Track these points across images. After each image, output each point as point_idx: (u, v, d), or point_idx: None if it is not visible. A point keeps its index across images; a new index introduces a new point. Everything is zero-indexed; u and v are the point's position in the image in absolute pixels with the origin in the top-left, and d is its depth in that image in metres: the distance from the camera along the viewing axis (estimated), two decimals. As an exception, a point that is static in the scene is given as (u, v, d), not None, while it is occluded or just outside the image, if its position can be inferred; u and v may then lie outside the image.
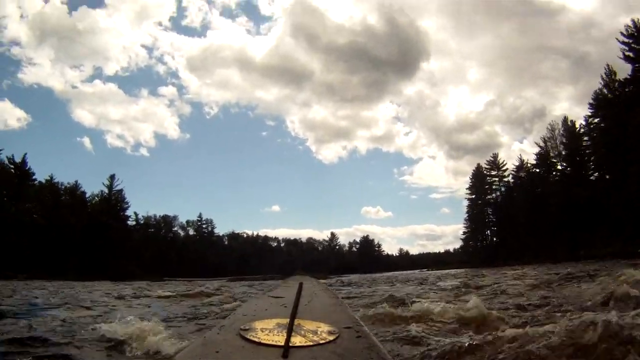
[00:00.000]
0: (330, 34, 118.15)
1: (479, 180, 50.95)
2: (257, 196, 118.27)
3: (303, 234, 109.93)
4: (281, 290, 1.65)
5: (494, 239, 48.10)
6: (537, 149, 42.87)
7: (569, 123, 38.93)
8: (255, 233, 76.85)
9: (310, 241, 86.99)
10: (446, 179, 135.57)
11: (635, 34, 26.66)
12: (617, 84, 29.14)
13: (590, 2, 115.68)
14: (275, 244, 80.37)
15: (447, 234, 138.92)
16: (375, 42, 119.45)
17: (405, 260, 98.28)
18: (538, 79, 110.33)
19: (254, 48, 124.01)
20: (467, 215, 53.07)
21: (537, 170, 43.39)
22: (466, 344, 2.09)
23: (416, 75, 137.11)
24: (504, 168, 49.89)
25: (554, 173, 40.91)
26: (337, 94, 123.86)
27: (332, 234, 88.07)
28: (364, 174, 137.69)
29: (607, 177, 27.91)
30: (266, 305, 1.33)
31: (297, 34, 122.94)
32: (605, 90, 30.34)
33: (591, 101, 34.08)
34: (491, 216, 49.10)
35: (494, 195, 50.13)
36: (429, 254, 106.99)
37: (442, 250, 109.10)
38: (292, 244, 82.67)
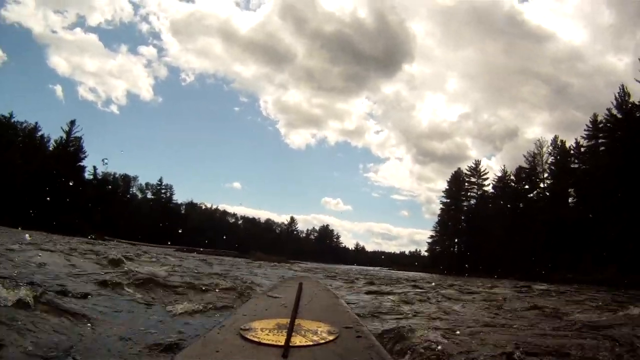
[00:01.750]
0: (319, 20, 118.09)
1: (457, 185, 50.00)
2: (220, 170, 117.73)
3: (261, 214, 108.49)
4: (281, 290, 1.65)
5: (462, 247, 47.07)
6: (500, 167, 43.45)
7: (558, 142, 38.79)
8: (213, 206, 75.64)
9: (269, 222, 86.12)
10: (410, 182, 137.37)
11: None
12: (630, 105, 29.18)
13: (581, 36, 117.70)
14: (233, 220, 79.02)
15: (403, 236, 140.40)
16: (362, 36, 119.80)
17: (361, 255, 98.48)
18: (515, 101, 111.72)
19: (240, 21, 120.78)
20: (438, 218, 51.96)
21: (517, 185, 43.72)
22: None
23: (397, 75, 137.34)
24: (485, 176, 49.10)
25: (536, 191, 41.08)
26: (315, 81, 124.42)
27: (292, 218, 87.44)
28: (329, 165, 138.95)
29: (607, 199, 27.46)
30: (266, 305, 1.33)
31: (285, 14, 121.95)
32: (614, 111, 30.26)
33: (588, 124, 34.59)
34: (464, 223, 48.13)
35: (470, 202, 49.30)
36: (383, 252, 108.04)
37: (397, 251, 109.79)
38: (250, 222, 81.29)
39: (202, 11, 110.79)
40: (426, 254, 55.33)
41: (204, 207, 73.61)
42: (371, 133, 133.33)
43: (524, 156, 41.78)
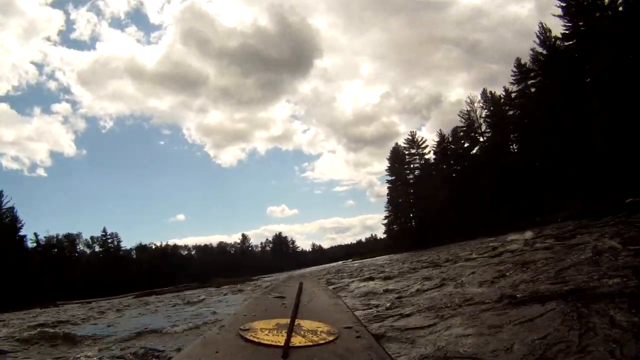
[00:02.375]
0: (222, 39, 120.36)
1: (398, 160, 49.01)
2: (161, 207, 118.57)
3: (212, 239, 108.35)
4: (281, 290, 1.65)
5: (418, 220, 46.17)
6: (433, 134, 43.63)
7: (488, 94, 39.00)
8: (163, 243, 74.57)
9: (222, 245, 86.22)
10: (347, 171, 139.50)
11: None
12: (554, 39, 29.47)
13: None
14: (186, 252, 78.62)
15: (355, 225, 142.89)
16: (267, 43, 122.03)
17: (320, 254, 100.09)
18: (431, 69, 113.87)
19: (145, 57, 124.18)
20: (387, 197, 50.77)
21: (456, 145, 43.51)
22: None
23: (310, 73, 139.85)
24: (423, 145, 48.39)
25: (478, 147, 40.95)
26: (232, 98, 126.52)
27: (243, 236, 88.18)
28: (265, 174, 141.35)
29: (551, 137, 27.48)
30: (266, 305, 1.33)
31: (188, 40, 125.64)
32: (540, 49, 30.56)
33: (513, 69, 34.73)
34: (414, 196, 47.33)
35: (415, 174, 48.51)
36: (340, 245, 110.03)
37: (353, 242, 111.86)
38: (203, 250, 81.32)
39: (105, 55, 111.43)
40: (384, 236, 54.63)
41: (154, 247, 72.58)
42: (299, 133, 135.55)
43: (459, 115, 41.88)
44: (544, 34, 30.13)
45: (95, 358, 2.94)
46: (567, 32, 27.89)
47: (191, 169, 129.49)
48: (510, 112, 36.32)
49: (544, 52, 30.21)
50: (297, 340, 0.96)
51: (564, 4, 27.29)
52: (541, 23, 30.28)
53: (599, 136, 21.76)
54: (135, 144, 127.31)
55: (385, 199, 50.67)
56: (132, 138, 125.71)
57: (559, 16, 27.82)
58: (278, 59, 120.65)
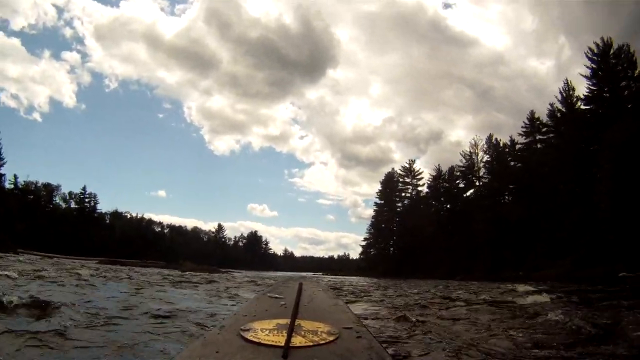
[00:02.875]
0: (244, 26, 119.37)
1: (390, 186, 49.30)
2: (145, 178, 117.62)
3: (188, 223, 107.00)
4: (281, 290, 1.65)
5: (398, 249, 46.14)
6: (425, 168, 44.52)
7: (493, 141, 39.15)
8: (139, 215, 73.46)
9: (196, 230, 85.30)
10: (335, 186, 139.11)
11: (601, 53, 27.07)
12: (576, 99, 29.38)
13: (503, 41, 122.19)
14: (160, 229, 77.34)
15: (330, 240, 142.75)
16: (287, 41, 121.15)
17: (290, 261, 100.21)
18: (439, 104, 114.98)
19: (165, 27, 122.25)
20: (372, 220, 50.99)
21: (450, 184, 43.64)
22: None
23: (321, 81, 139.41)
24: (419, 176, 48.50)
25: (473, 189, 41.15)
26: (239, 87, 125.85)
27: (219, 226, 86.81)
28: (254, 171, 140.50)
29: (554, 195, 27.57)
30: (266, 305, 1.34)
31: (210, 20, 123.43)
32: (560, 106, 30.45)
33: (525, 121, 35.08)
34: (399, 225, 47.43)
35: (405, 203, 48.72)
36: (312, 257, 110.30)
37: (325, 256, 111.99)
38: (177, 231, 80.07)
39: (126, 16, 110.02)
40: (357, 257, 55.40)
41: (129, 216, 71.94)
42: (296, 138, 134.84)
43: (461, 154, 42.13)
44: (567, 91, 29.93)
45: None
46: (590, 94, 27.78)
47: (183, 148, 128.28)
48: (512, 163, 36.50)
49: (563, 109, 30.09)
50: (297, 341, 0.96)
51: (594, 66, 27.17)
52: (566, 80, 30.17)
53: (605, 203, 21.64)
54: (135, 110, 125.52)
55: (366, 222, 51.86)
56: (133, 103, 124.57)
57: (586, 77, 27.76)
58: (293, 60, 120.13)
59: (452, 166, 43.71)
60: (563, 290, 8.83)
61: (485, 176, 39.41)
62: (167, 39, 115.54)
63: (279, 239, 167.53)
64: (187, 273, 17.52)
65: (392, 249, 47.56)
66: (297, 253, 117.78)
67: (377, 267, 43.76)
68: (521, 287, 10.02)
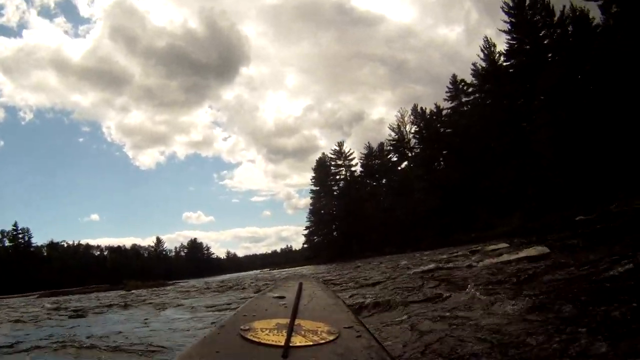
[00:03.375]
0: (150, 37, 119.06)
1: (323, 171, 48.76)
2: (75, 205, 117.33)
3: (126, 242, 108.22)
4: (281, 290, 1.66)
5: (341, 232, 45.38)
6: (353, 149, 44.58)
7: (419, 110, 39.41)
8: (75, 242, 72.68)
9: (135, 248, 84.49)
10: (266, 182, 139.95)
11: (516, 6, 27.28)
12: (498, 55, 29.73)
13: (410, 14, 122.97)
14: (99, 253, 76.80)
15: (270, 235, 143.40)
16: (195, 46, 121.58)
17: (234, 263, 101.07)
18: (356, 85, 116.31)
19: (71, 49, 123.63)
20: (310, 208, 50.40)
21: (382, 160, 43.56)
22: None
23: (235, 80, 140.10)
24: (350, 157, 48.19)
25: (406, 162, 41.30)
26: (155, 99, 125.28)
27: (158, 239, 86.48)
28: (183, 180, 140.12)
29: (489, 152, 27.57)
30: (266, 305, 1.34)
31: (115, 36, 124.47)
32: (484, 64, 30.71)
33: (448, 85, 35.19)
34: (338, 208, 46.93)
35: (340, 185, 48.21)
36: (255, 255, 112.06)
37: (268, 251, 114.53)
38: (116, 251, 79.30)
39: (30, 44, 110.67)
40: (304, 246, 54.44)
41: (66, 245, 70.63)
42: (219, 141, 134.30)
43: (389, 127, 42.20)
44: (488, 48, 30.24)
45: None
46: (510, 48, 28.11)
47: (109, 168, 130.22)
48: (442, 130, 36.62)
49: (487, 66, 30.28)
50: (297, 340, 0.96)
51: (512, 19, 27.53)
52: (486, 37, 30.66)
53: (548, 151, 21.76)
54: (54, 139, 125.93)
55: (303, 212, 52.14)
56: (52, 132, 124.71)
57: (504, 31, 28.13)
58: (205, 63, 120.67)
59: (381, 142, 43.95)
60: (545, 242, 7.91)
61: (416, 147, 39.63)
62: (75, 61, 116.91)
63: (219, 243, 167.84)
64: (132, 292, 16.80)
65: (335, 233, 47.12)
66: (240, 253, 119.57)
67: (323, 254, 43.42)
68: (491, 246, 9.50)
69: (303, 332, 1.02)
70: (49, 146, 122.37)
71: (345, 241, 42.35)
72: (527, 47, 26.66)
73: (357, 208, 41.84)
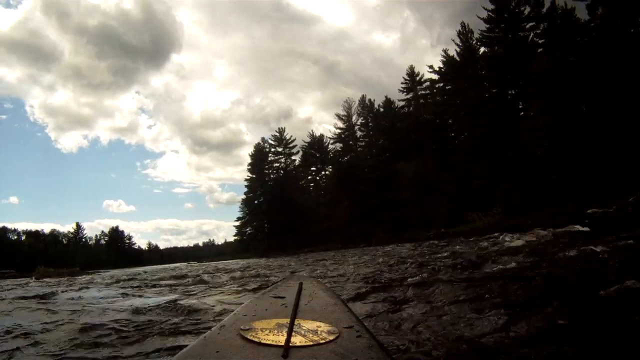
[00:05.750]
0: (83, 14, 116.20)
1: (260, 159, 45.84)
2: None
3: (45, 227, 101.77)
4: (281, 290, 1.66)
5: (277, 225, 42.74)
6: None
7: (367, 102, 38.83)
8: None
9: (54, 234, 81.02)
10: (189, 173, 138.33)
11: None
12: (475, 41, 28.98)
13: (347, 17, 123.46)
14: (15, 237, 73.05)
15: (191, 228, 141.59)
16: (128, 27, 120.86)
17: (155, 255, 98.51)
18: (285, 82, 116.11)
19: (0, 19, 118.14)
20: (244, 197, 47.57)
21: (321, 149, 42.56)
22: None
23: (166, 66, 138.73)
24: (291, 145, 45.65)
25: (352, 153, 39.91)
26: (84, 79, 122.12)
27: (78, 225, 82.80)
28: (105, 166, 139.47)
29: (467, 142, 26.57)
30: (266, 305, 1.34)
31: (48, 10, 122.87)
32: (458, 50, 29.89)
33: (405, 77, 34.49)
34: (275, 199, 44.34)
35: (279, 174, 45.62)
36: (176, 247, 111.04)
37: (190, 245, 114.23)
38: (34, 236, 75.39)
39: None
40: (222, 242, 54.35)
41: None
42: (144, 128, 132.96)
43: (338, 116, 41.04)
44: (465, 34, 29.40)
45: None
46: (491, 34, 27.30)
47: (30, 149, 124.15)
48: (398, 125, 35.50)
49: (462, 53, 29.37)
50: (297, 340, 0.97)
51: (493, 6, 26.97)
52: (463, 22, 29.95)
53: (544, 140, 20.60)
54: None
55: (225, 206, 51.33)
56: None
57: (483, 19, 27.60)
58: (135, 46, 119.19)
59: (321, 134, 43.04)
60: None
61: (362, 139, 38.83)
62: (4, 31, 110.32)
63: (140, 233, 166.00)
64: (40, 281, 15.02)
65: (266, 225, 44.53)
66: (162, 245, 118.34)
67: (257, 247, 41.21)
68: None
69: (303, 332, 1.02)
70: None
71: (281, 234, 40.08)
72: (510, 36, 26.01)
73: (296, 199, 39.83)
